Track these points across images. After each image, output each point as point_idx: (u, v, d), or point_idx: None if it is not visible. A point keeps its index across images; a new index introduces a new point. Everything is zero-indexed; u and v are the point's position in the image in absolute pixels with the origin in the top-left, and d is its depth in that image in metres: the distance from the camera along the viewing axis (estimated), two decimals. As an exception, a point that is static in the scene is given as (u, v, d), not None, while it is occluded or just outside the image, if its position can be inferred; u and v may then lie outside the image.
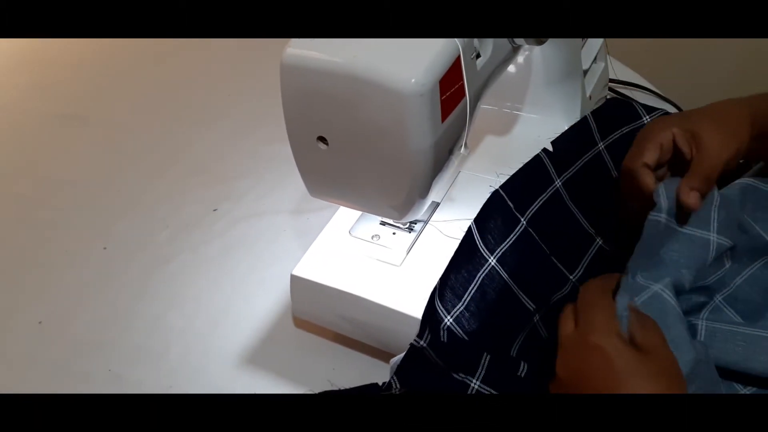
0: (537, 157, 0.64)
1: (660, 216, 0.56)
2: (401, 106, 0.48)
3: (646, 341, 0.47)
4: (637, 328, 0.48)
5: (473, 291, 0.55)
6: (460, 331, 0.54)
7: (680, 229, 0.57)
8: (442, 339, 0.54)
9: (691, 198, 0.55)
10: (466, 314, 0.54)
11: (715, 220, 0.57)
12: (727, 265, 0.60)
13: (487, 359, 0.52)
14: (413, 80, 0.47)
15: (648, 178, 0.58)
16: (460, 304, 0.54)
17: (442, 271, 0.56)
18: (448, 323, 0.54)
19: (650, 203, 0.57)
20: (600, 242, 0.65)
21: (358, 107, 0.50)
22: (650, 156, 0.59)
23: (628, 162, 0.60)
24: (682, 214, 0.57)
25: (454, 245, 0.65)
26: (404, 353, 0.55)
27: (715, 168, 0.56)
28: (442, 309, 0.54)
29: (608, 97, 0.87)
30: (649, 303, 0.52)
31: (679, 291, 0.55)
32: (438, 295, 0.55)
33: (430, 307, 0.55)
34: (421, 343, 0.54)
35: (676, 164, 0.60)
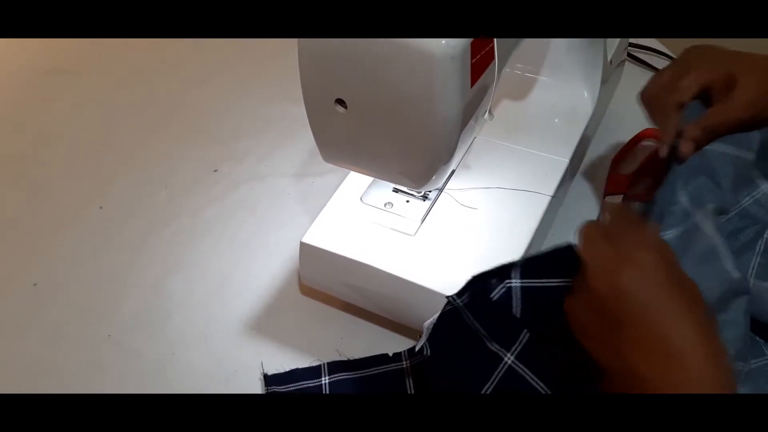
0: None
1: None
2: (431, 69, 0.45)
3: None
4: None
5: (559, 282, 0.50)
6: (519, 299, 0.50)
7: (727, 151, 0.58)
8: (492, 296, 0.50)
9: (686, 147, 0.56)
10: (540, 293, 0.50)
11: (756, 140, 0.59)
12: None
13: (527, 336, 0.49)
14: (444, 41, 0.44)
15: (674, 120, 0.58)
16: (541, 281, 0.50)
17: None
18: (515, 284, 0.50)
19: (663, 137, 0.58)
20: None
21: (382, 69, 0.46)
22: (687, 94, 0.58)
23: (664, 90, 0.60)
24: None
25: (470, 214, 0.63)
26: (438, 313, 0.52)
27: (723, 125, 0.57)
28: (517, 271, 0.51)
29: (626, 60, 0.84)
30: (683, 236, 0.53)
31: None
32: (523, 263, 0.50)
33: (499, 268, 0.51)
34: (458, 301, 0.51)
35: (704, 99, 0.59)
